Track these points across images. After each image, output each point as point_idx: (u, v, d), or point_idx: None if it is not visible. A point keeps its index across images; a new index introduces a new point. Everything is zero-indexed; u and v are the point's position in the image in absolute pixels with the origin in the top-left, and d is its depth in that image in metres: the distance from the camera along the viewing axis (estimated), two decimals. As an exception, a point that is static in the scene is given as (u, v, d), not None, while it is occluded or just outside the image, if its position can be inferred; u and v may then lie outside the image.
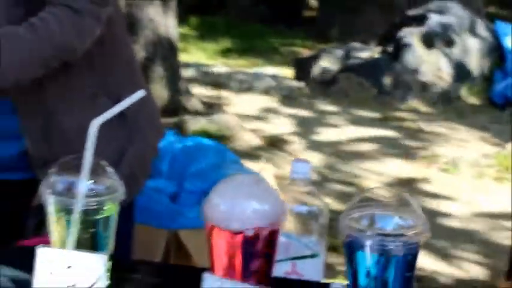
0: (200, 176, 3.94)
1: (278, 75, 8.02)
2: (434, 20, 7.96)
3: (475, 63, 7.92)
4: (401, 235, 1.21)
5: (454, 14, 8.03)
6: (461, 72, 7.80)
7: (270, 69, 8.31)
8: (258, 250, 1.26)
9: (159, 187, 3.88)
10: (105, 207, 1.31)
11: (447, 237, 4.53)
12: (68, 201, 1.29)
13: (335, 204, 4.73)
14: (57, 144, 1.97)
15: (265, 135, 6.38)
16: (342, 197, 5.04)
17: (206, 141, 4.54)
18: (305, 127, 6.69)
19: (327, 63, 7.92)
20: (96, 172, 1.31)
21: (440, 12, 8.05)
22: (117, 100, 1.91)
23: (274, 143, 6.21)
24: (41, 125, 1.93)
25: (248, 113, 6.97)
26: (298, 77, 8.01)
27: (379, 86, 7.55)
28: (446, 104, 7.53)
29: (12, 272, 1.38)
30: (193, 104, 6.52)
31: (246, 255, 1.26)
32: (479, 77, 7.89)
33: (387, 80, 7.55)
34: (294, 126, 6.70)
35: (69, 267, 1.26)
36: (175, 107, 6.34)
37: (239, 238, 1.25)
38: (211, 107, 6.62)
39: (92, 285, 1.25)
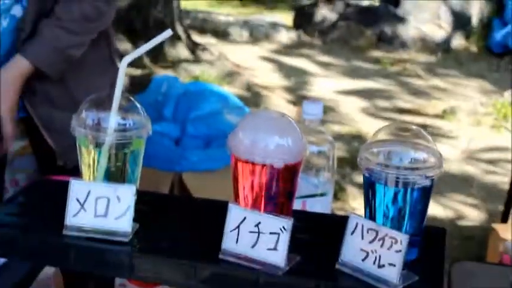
0: (203, 120, 3.99)
1: (277, 23, 8.02)
2: (434, -33, 7.96)
3: (474, 11, 7.93)
4: (417, 169, 1.27)
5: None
6: (460, 20, 7.82)
7: (270, 17, 8.31)
8: (280, 183, 1.32)
9: (163, 131, 3.93)
10: (133, 142, 1.37)
11: (444, 182, 4.61)
12: (98, 135, 1.34)
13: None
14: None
15: (259, 83, 6.42)
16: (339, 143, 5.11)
17: (209, 86, 4.59)
18: (301, 76, 6.73)
19: (327, 11, 7.93)
20: (124, 108, 1.36)
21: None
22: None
23: (270, 91, 6.25)
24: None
25: (245, 61, 6.99)
26: (298, 25, 8.02)
27: (378, 34, 7.57)
28: (445, 53, 7.57)
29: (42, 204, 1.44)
30: (191, 51, 6.54)
31: (268, 188, 1.32)
32: (477, 25, 7.91)
33: (387, 28, 7.57)
34: (290, 75, 6.73)
35: (99, 198, 1.32)
36: (173, 54, 6.35)
37: (261, 171, 1.30)
38: (210, 55, 6.64)
39: (121, 216, 1.31)
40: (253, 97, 5.98)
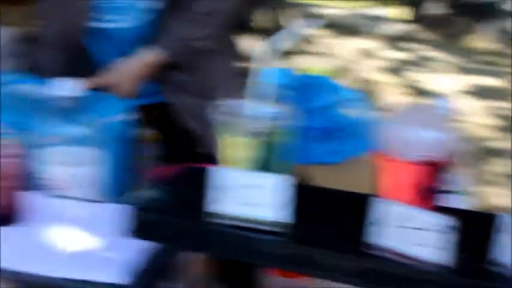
0: (320, 112, 3.98)
1: (388, 17, 7.94)
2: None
3: None
4: None
5: None
6: None
7: (381, 11, 8.23)
8: (429, 178, 1.29)
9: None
10: (275, 132, 1.36)
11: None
12: (241, 123, 1.34)
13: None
14: None
15: (370, 77, 6.36)
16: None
17: (323, 78, 4.57)
18: (412, 71, 6.63)
19: (440, 5, 7.80)
20: (267, 98, 1.36)
21: None
22: None
23: (381, 86, 6.19)
24: None
25: (355, 54, 6.94)
26: (410, 19, 7.91)
27: (493, 31, 7.40)
28: None
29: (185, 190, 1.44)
30: (301, 43, 6.54)
31: (417, 184, 1.29)
32: None
33: (503, 25, 7.40)
34: (401, 70, 6.65)
35: (244, 186, 1.31)
36: (283, 46, 6.35)
37: (412, 167, 1.28)
38: (320, 47, 6.63)
39: (272, 205, 1.29)
40: (365, 92, 5.92)
